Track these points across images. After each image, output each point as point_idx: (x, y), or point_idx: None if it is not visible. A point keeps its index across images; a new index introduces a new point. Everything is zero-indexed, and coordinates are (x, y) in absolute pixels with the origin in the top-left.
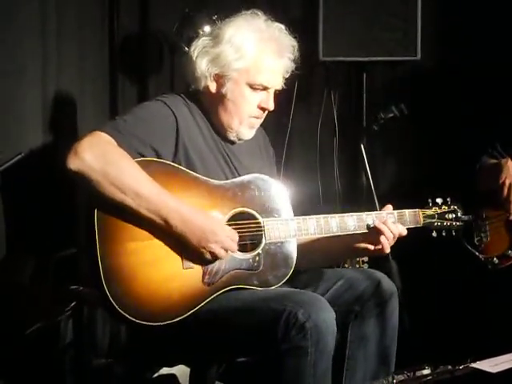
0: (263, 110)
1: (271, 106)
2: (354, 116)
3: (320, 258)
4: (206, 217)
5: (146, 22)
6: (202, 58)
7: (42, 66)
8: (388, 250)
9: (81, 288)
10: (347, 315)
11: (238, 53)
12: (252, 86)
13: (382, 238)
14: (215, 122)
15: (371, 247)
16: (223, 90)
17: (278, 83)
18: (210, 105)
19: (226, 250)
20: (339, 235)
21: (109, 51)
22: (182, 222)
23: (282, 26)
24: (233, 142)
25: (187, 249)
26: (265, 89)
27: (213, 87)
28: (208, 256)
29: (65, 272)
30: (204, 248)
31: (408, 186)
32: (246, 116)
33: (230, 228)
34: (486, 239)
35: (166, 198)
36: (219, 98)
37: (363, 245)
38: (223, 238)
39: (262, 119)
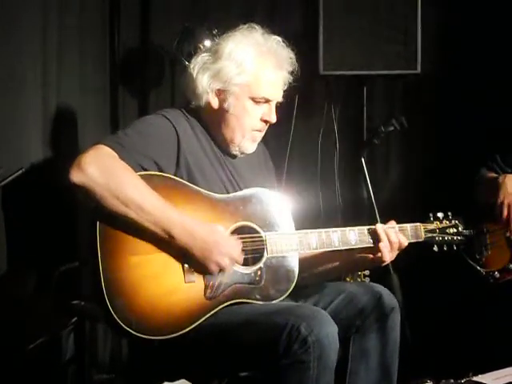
0: (266, 122)
1: (273, 119)
2: (354, 129)
3: (321, 272)
4: (209, 229)
5: (146, 35)
6: (202, 75)
7: (43, 80)
8: (387, 258)
9: (82, 303)
10: (348, 329)
11: (239, 68)
12: (254, 100)
13: (381, 245)
14: (217, 137)
15: (370, 256)
16: (225, 105)
17: (279, 95)
18: (211, 120)
19: (231, 261)
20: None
21: (109, 65)
22: (186, 234)
23: (279, 39)
24: (234, 156)
25: (191, 261)
26: (267, 101)
27: (215, 103)
28: (212, 267)
29: (67, 286)
30: (208, 260)
31: (409, 199)
32: (248, 130)
33: (233, 238)
34: (487, 253)
35: (169, 211)
36: (221, 113)
37: (363, 254)
38: (227, 249)
39: (264, 132)
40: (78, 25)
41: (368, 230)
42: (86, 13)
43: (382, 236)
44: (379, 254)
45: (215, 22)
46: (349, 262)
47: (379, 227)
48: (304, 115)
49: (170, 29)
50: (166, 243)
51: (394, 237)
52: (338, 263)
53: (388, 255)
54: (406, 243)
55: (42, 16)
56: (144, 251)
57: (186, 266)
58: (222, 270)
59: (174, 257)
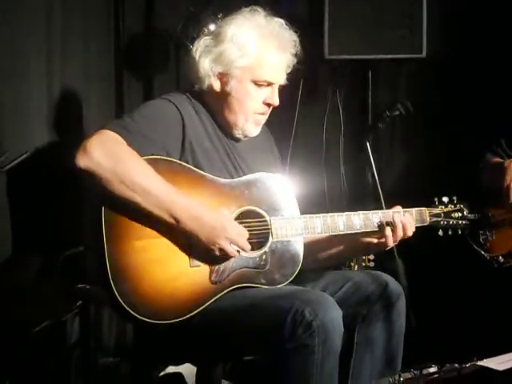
0: (268, 105)
1: (276, 102)
2: (359, 114)
3: (325, 257)
4: (215, 214)
5: (151, 20)
6: (204, 58)
7: (47, 65)
8: (391, 243)
9: (88, 286)
10: (354, 318)
11: (241, 50)
12: (256, 83)
13: (387, 230)
14: (220, 120)
15: (374, 240)
16: (227, 88)
17: (281, 78)
18: (214, 103)
19: (237, 248)
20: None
21: (114, 50)
22: (192, 219)
23: (282, 21)
24: (238, 140)
25: (196, 246)
26: (269, 84)
27: (217, 86)
28: (218, 253)
29: (72, 270)
30: (214, 245)
31: (414, 184)
32: (251, 113)
33: (240, 225)
34: (492, 238)
35: (175, 196)
36: (224, 97)
37: (367, 239)
38: (233, 235)
39: (267, 115)
40: (81, 10)
41: (378, 225)
42: None
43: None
44: (383, 239)
45: (220, 6)
46: (353, 246)
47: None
48: (309, 100)
49: (175, 13)
50: (172, 227)
51: (398, 221)
52: (342, 247)
53: (391, 240)
54: (412, 227)
55: (45, 2)
56: (149, 235)
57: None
58: (227, 255)
59: (179, 241)
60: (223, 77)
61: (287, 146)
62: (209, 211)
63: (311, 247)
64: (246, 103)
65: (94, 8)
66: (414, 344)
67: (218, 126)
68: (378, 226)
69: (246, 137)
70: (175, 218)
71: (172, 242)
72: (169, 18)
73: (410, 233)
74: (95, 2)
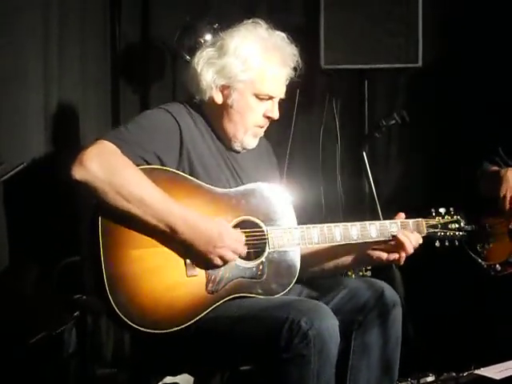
0: (268, 118)
1: (276, 115)
2: (355, 123)
3: (325, 267)
4: (212, 222)
5: (147, 30)
6: (207, 70)
7: (44, 75)
8: (402, 263)
9: (84, 297)
10: (350, 325)
11: (244, 64)
12: (258, 96)
13: (402, 253)
14: (219, 132)
15: (384, 256)
16: (229, 101)
17: (282, 92)
18: (214, 115)
19: (235, 254)
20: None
21: (111, 59)
22: (189, 228)
23: (284, 35)
24: (236, 151)
25: (193, 255)
26: (270, 98)
27: (218, 98)
28: (216, 261)
29: (68, 281)
30: (212, 253)
31: (411, 193)
32: (251, 125)
33: (236, 231)
34: (489, 246)
35: (171, 206)
36: (224, 109)
37: (377, 253)
38: (231, 242)
39: (265, 127)
40: (79, 19)
41: (391, 234)
42: (87, 7)
43: (406, 243)
44: (396, 257)
45: (216, 16)
46: (355, 258)
47: (402, 236)
48: (305, 109)
49: (171, 23)
50: (169, 237)
51: (415, 240)
52: (342, 259)
53: (403, 260)
54: (420, 241)
55: (42, 11)
56: (146, 245)
57: (188, 260)
58: (225, 262)
59: (176, 250)
60: (225, 89)
61: (284, 156)
62: (205, 220)
63: (310, 258)
64: (247, 116)
65: (91, 18)
66: (411, 353)
67: (216, 137)
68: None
69: (244, 149)
70: (172, 228)
71: (168, 251)
72: (165, 28)
73: (419, 241)
74: (92, 11)
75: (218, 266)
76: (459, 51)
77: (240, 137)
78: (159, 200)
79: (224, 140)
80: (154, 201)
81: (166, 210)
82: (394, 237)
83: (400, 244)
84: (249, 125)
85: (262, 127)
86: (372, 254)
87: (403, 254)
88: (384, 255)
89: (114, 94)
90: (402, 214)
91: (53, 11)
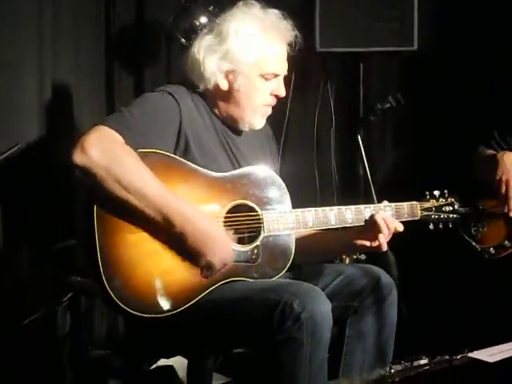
0: (276, 97)
1: (283, 92)
2: (350, 107)
3: (317, 253)
4: (209, 223)
5: (142, 13)
6: (210, 58)
7: (38, 59)
8: (385, 248)
9: (78, 278)
10: (346, 311)
11: (247, 47)
12: (264, 76)
13: (380, 237)
14: (225, 115)
15: (367, 243)
16: (236, 86)
17: (285, 68)
18: (219, 101)
19: (220, 264)
20: (336, 229)
21: (105, 43)
22: (184, 223)
23: (277, 11)
24: (239, 134)
25: (184, 249)
26: (275, 76)
27: (224, 84)
28: (202, 262)
29: (63, 263)
30: (199, 253)
31: (405, 177)
32: (259, 106)
33: (229, 240)
34: (483, 229)
35: (170, 198)
36: (231, 94)
37: (360, 241)
38: (221, 251)
39: (273, 105)
40: (72, 3)
41: (366, 219)
42: None
43: (382, 226)
44: (376, 243)
45: None
46: (345, 244)
47: (378, 217)
48: (300, 92)
49: (166, 5)
50: (165, 229)
51: (391, 224)
52: (333, 244)
53: (385, 245)
54: (401, 228)
55: None
56: (141, 230)
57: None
58: (209, 267)
59: (171, 239)
60: (230, 74)
61: (279, 140)
62: (202, 218)
63: (304, 242)
64: (255, 97)
65: (85, 1)
66: (404, 336)
67: (218, 120)
68: (365, 222)
69: (251, 129)
70: (167, 221)
71: (163, 237)
72: (160, 11)
73: (399, 229)
74: None
75: (201, 266)
76: (455, 34)
77: (248, 118)
78: (158, 191)
79: (228, 122)
80: (152, 192)
81: (165, 202)
82: (371, 220)
83: (376, 227)
84: (257, 106)
85: (270, 105)
86: (355, 242)
87: (382, 240)
88: (367, 243)
89: (109, 77)
90: (385, 202)
91: None
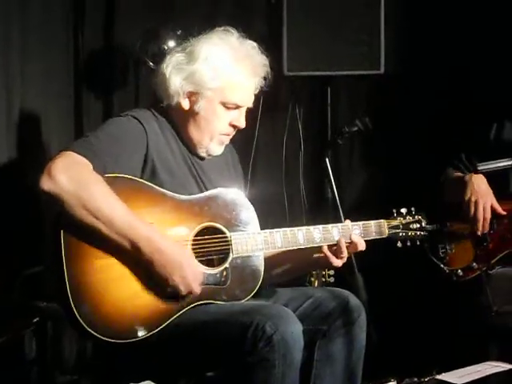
0: (234, 127)
1: (243, 124)
2: (319, 130)
3: (285, 271)
4: (176, 249)
5: (110, 37)
6: (176, 75)
7: (7, 83)
8: (337, 264)
9: (45, 303)
10: (315, 334)
11: (214, 72)
12: (225, 105)
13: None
14: (185, 138)
15: (322, 255)
16: (196, 108)
17: (250, 101)
18: (181, 121)
19: (187, 289)
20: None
21: (74, 66)
22: (152, 251)
23: (255, 44)
24: (202, 158)
25: (151, 275)
26: (237, 107)
27: (186, 104)
28: (169, 289)
29: (31, 289)
30: (167, 280)
31: (374, 200)
32: (216, 133)
33: (197, 264)
34: (451, 251)
35: (138, 225)
36: (191, 115)
37: (323, 258)
38: (189, 276)
39: (232, 135)
40: (40, 27)
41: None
42: (50, 14)
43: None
44: (337, 262)
45: (179, 23)
46: (310, 260)
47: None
48: (269, 116)
49: (134, 30)
50: (132, 255)
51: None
52: (299, 261)
53: (336, 262)
54: (362, 246)
55: (4, 19)
56: (109, 254)
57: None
58: (177, 292)
59: (139, 264)
60: (193, 96)
61: (248, 162)
62: (171, 246)
63: (272, 261)
64: (213, 123)
65: (53, 26)
66: (373, 358)
67: (182, 143)
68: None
69: (209, 155)
70: (135, 247)
71: (132, 260)
72: (128, 35)
73: (359, 248)
74: (54, 18)
75: (168, 293)
76: (421, 58)
77: (205, 143)
78: (126, 218)
79: (189, 146)
80: (120, 218)
81: (133, 229)
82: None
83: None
84: (214, 132)
85: (227, 135)
86: (319, 259)
87: (339, 262)
88: (329, 260)
89: (77, 100)
90: (348, 221)
91: (14, 20)
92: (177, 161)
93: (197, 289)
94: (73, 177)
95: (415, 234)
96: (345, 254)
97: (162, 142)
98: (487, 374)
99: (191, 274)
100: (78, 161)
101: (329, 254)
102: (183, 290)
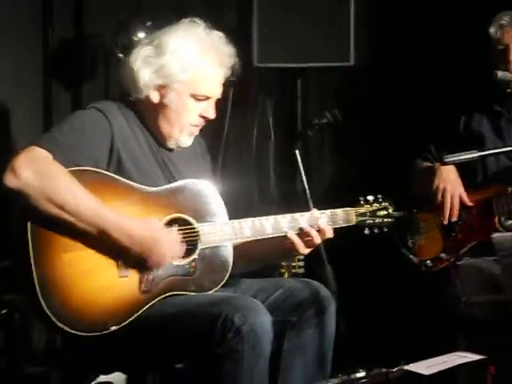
0: (204, 118)
1: (212, 115)
2: (288, 122)
3: (254, 260)
4: (147, 226)
5: (80, 28)
6: (144, 69)
7: None
8: (303, 251)
9: (12, 296)
10: (284, 326)
11: (182, 64)
12: (195, 97)
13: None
14: (154, 130)
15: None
16: (165, 101)
17: (218, 92)
18: (149, 113)
19: (171, 258)
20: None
21: (43, 58)
22: (123, 235)
23: (221, 34)
24: (170, 149)
25: (127, 259)
26: (207, 98)
27: (155, 97)
28: (152, 264)
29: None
30: (148, 257)
31: (343, 191)
32: (186, 125)
33: (171, 231)
34: (420, 242)
35: (105, 212)
36: (160, 108)
37: (289, 246)
38: (168, 246)
39: (201, 126)
40: (10, 17)
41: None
42: (19, 5)
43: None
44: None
45: (149, 15)
46: (279, 248)
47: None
48: (239, 108)
49: (104, 21)
50: (101, 242)
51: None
52: (268, 250)
53: (302, 249)
54: (330, 233)
55: None
56: (77, 248)
57: (120, 262)
58: (160, 264)
59: (107, 252)
60: (162, 89)
61: (218, 154)
62: (140, 225)
63: (241, 251)
64: (183, 116)
65: (22, 17)
66: (342, 349)
67: (150, 135)
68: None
69: (179, 147)
70: (107, 235)
71: (100, 253)
72: (98, 26)
73: (327, 235)
74: (24, 9)
75: (150, 268)
76: (391, 50)
77: (176, 135)
78: (93, 208)
79: (158, 138)
80: (87, 208)
81: (100, 217)
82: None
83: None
84: (184, 124)
85: (197, 126)
86: (287, 246)
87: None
88: (296, 247)
89: (46, 92)
90: (315, 210)
91: None
92: (144, 152)
93: (178, 253)
94: (37, 171)
95: (382, 220)
96: (312, 240)
97: (127, 133)
98: (455, 364)
99: (169, 243)
100: (41, 155)
101: (297, 240)
102: (166, 260)
